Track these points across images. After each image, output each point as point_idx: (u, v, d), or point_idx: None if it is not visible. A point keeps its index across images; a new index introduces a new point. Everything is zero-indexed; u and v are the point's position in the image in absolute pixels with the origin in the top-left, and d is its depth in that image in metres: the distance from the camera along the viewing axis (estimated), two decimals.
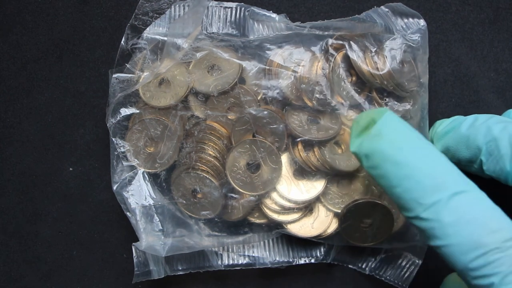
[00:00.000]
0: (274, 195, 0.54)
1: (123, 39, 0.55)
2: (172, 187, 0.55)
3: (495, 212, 0.39)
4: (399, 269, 0.57)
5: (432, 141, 0.50)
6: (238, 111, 0.53)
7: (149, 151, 0.55)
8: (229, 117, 0.54)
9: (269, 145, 0.53)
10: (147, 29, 0.55)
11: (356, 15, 0.55)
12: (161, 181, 0.55)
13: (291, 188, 0.54)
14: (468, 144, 0.49)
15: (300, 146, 0.53)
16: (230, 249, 0.57)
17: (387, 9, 0.55)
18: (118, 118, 0.55)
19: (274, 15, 0.56)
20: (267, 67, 0.54)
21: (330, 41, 0.53)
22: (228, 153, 0.53)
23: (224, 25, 0.56)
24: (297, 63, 0.54)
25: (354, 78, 0.54)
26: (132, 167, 0.55)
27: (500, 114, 0.59)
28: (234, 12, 0.56)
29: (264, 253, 0.57)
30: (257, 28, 0.56)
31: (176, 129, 0.54)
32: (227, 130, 0.54)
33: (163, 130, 0.54)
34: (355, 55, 0.53)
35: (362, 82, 0.54)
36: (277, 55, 0.54)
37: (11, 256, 0.61)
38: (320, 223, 0.55)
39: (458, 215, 0.38)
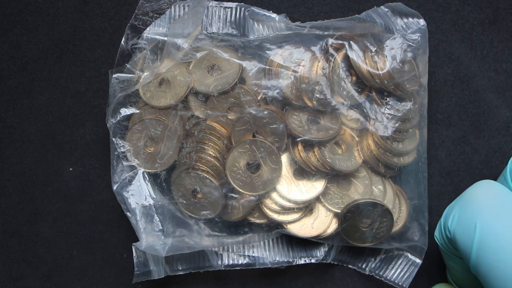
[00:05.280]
0: (274, 195, 0.54)
1: (123, 39, 0.55)
2: (172, 187, 0.55)
3: None
4: (399, 269, 0.57)
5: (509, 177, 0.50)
6: (238, 111, 0.53)
7: (149, 151, 0.55)
8: (229, 117, 0.54)
9: (269, 145, 0.53)
10: (147, 29, 0.55)
11: (356, 15, 0.55)
12: (161, 181, 0.55)
13: (291, 188, 0.54)
14: None
15: (300, 146, 0.53)
16: (230, 249, 0.57)
17: (387, 9, 0.55)
18: (118, 118, 0.55)
19: (274, 15, 0.56)
20: (267, 67, 0.54)
21: (330, 41, 0.53)
22: (228, 153, 0.53)
23: (224, 25, 0.56)
24: (297, 63, 0.54)
25: (354, 78, 0.54)
26: (132, 167, 0.55)
27: (500, 114, 0.59)
28: (234, 12, 0.56)
29: (264, 253, 0.57)
30: (257, 28, 0.56)
31: (176, 129, 0.54)
32: (227, 130, 0.54)
33: (163, 130, 0.54)
34: (355, 55, 0.53)
35: (362, 82, 0.54)
36: (277, 55, 0.54)
37: (11, 256, 0.61)
38: (320, 223, 0.55)
39: None
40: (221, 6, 0.56)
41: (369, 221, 0.54)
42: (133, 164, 0.55)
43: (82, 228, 0.60)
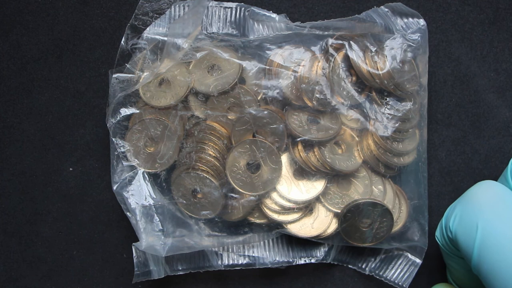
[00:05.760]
0: (274, 195, 0.54)
1: (123, 39, 0.55)
2: (172, 187, 0.55)
3: None
4: (399, 269, 0.57)
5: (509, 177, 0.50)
6: (238, 111, 0.53)
7: (149, 151, 0.55)
8: (229, 117, 0.54)
9: (269, 145, 0.53)
10: (147, 29, 0.55)
11: (356, 15, 0.55)
12: (161, 181, 0.55)
13: (291, 188, 0.54)
14: None
15: (300, 146, 0.53)
16: (230, 249, 0.57)
17: (387, 9, 0.56)
18: (118, 118, 0.55)
19: (274, 15, 0.56)
20: (267, 67, 0.54)
21: (330, 41, 0.53)
22: (228, 153, 0.53)
23: (224, 25, 0.56)
24: (297, 63, 0.54)
25: (354, 78, 0.54)
26: (132, 167, 0.55)
27: (500, 114, 0.59)
28: (234, 12, 0.56)
29: (264, 253, 0.57)
30: (257, 28, 0.56)
31: (176, 129, 0.54)
32: (227, 130, 0.54)
33: (163, 130, 0.54)
34: (355, 55, 0.53)
35: (362, 82, 0.54)
36: (277, 55, 0.54)
37: (11, 256, 0.61)
38: (320, 223, 0.55)
39: None
40: (221, 6, 0.56)
41: (369, 221, 0.54)
42: (133, 164, 0.55)
43: (82, 228, 0.60)
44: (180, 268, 0.56)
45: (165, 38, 0.54)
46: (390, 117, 0.54)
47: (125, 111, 0.55)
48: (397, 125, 0.53)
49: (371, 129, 0.54)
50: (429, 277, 0.59)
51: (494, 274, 0.43)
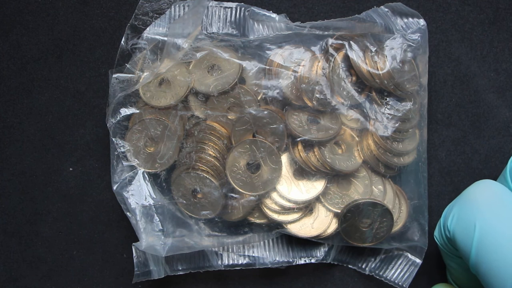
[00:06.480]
0: (274, 195, 0.54)
1: (123, 39, 0.55)
2: (172, 187, 0.55)
3: None
4: (399, 269, 0.57)
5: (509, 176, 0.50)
6: (238, 111, 0.53)
7: (149, 151, 0.55)
8: (229, 117, 0.54)
9: (269, 145, 0.53)
10: (147, 29, 0.55)
11: (356, 15, 0.55)
12: (161, 181, 0.55)
13: (291, 188, 0.54)
14: None
15: (300, 146, 0.53)
16: (230, 249, 0.57)
17: (387, 9, 0.56)
18: (118, 118, 0.55)
19: (274, 15, 0.56)
20: (267, 67, 0.54)
21: (330, 41, 0.53)
22: (228, 153, 0.53)
23: (224, 25, 0.56)
24: (297, 63, 0.54)
25: (354, 78, 0.54)
26: (132, 167, 0.55)
27: (500, 114, 0.59)
28: (234, 12, 0.56)
29: (264, 253, 0.57)
30: (257, 28, 0.56)
31: (176, 129, 0.54)
32: (227, 130, 0.54)
33: (163, 130, 0.54)
34: (355, 55, 0.53)
35: (362, 82, 0.54)
36: (277, 55, 0.54)
37: (11, 256, 0.61)
38: (320, 223, 0.55)
39: None
40: (221, 6, 0.56)
41: (369, 221, 0.54)
42: (133, 164, 0.55)
43: (82, 228, 0.60)
44: (180, 268, 0.56)
45: (165, 38, 0.54)
46: (390, 117, 0.54)
47: (125, 111, 0.55)
48: (397, 125, 0.53)
49: (371, 129, 0.54)
50: (429, 277, 0.59)
51: (492, 273, 0.43)
